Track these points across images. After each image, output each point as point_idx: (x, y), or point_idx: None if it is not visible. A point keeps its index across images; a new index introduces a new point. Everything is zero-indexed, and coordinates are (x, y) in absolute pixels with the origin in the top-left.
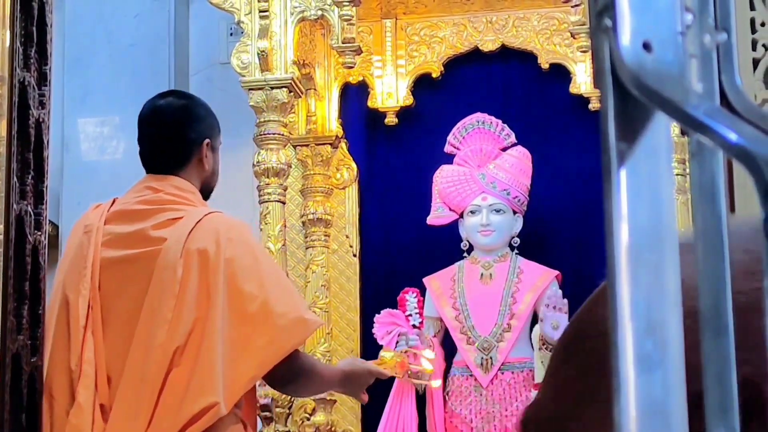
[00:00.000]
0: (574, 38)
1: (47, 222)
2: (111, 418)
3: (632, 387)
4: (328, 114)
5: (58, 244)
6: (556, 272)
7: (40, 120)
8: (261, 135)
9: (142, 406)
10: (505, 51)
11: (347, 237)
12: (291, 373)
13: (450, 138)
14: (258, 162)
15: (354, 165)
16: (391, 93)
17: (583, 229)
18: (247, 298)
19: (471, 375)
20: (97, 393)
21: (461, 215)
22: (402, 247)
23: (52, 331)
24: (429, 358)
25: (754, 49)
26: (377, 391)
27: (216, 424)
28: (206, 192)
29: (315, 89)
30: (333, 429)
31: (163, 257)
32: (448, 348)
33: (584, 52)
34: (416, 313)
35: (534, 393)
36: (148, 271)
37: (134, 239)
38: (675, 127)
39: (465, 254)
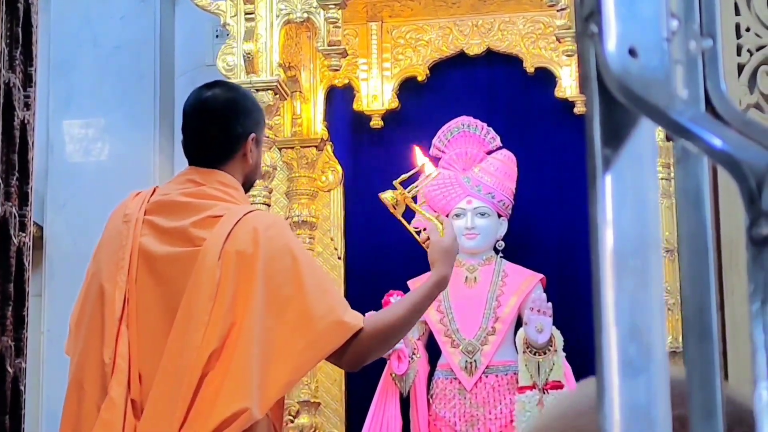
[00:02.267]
0: (560, 42)
1: (32, 223)
2: (144, 418)
3: (616, 392)
4: (313, 116)
5: (42, 245)
6: (541, 276)
7: (25, 121)
8: None
9: (176, 408)
10: (490, 54)
11: (332, 239)
12: (361, 356)
13: (435, 141)
14: None
15: (339, 168)
16: (376, 96)
17: (568, 232)
18: (284, 302)
19: (455, 378)
20: (129, 388)
21: None
22: (387, 250)
23: (86, 322)
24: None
25: (739, 54)
26: (362, 394)
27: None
28: (248, 186)
29: (300, 92)
30: (317, 431)
31: (202, 259)
32: (433, 351)
33: (569, 56)
34: None
35: (518, 396)
36: (186, 271)
37: (175, 236)
38: (660, 132)
39: None
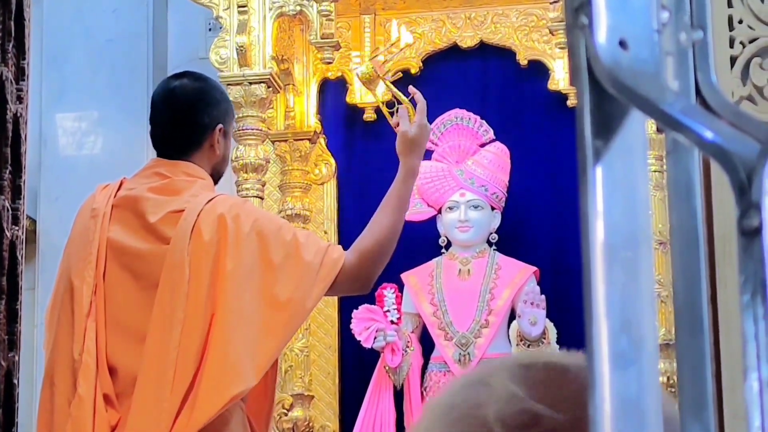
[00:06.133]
0: (553, 35)
1: (25, 217)
2: (131, 416)
3: (607, 384)
4: (306, 109)
5: (35, 239)
6: (534, 268)
7: (18, 115)
8: (239, 130)
9: (162, 410)
10: (483, 47)
11: (326, 233)
12: (359, 282)
13: None
14: (236, 157)
15: (332, 160)
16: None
17: (561, 225)
18: (259, 283)
19: (449, 371)
20: (99, 383)
21: (439, 211)
22: None
23: (57, 317)
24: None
25: (731, 46)
26: (356, 387)
27: (222, 415)
28: (215, 178)
29: (293, 85)
30: (310, 425)
31: (171, 258)
32: (426, 344)
33: (562, 48)
34: (394, 309)
35: None
36: (156, 268)
37: (143, 233)
38: (652, 124)
39: (443, 250)
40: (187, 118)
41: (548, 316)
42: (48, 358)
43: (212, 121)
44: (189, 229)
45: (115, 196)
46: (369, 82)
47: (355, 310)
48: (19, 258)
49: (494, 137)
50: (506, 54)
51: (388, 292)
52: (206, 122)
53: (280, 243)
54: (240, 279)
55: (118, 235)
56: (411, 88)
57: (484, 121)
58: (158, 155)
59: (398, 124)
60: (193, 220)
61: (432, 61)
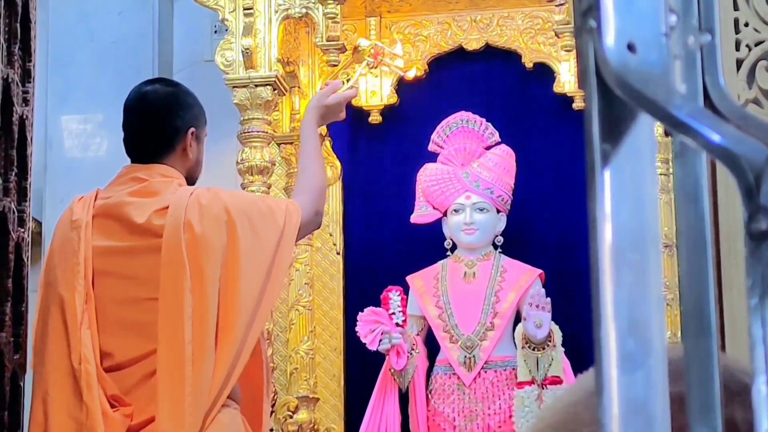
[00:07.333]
0: (559, 37)
1: (30, 219)
2: (158, 419)
3: (615, 386)
4: None
5: (41, 241)
6: (540, 271)
7: (24, 117)
8: (245, 133)
9: (187, 405)
10: (489, 50)
11: (331, 235)
12: (315, 222)
13: (434, 136)
14: (242, 160)
15: (338, 163)
16: (375, 91)
17: (567, 228)
18: (256, 265)
19: (454, 373)
20: (102, 388)
21: (445, 214)
22: (385, 246)
23: (43, 328)
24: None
25: (737, 49)
26: (361, 390)
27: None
28: (189, 182)
29: (299, 87)
30: (316, 427)
31: (166, 254)
32: (432, 346)
33: (568, 51)
34: (399, 312)
35: (516, 391)
36: (147, 265)
37: (128, 235)
38: (659, 127)
39: (448, 253)
40: (159, 121)
41: (553, 318)
42: (39, 373)
43: (184, 124)
44: (180, 225)
45: (93, 206)
46: (360, 54)
47: (360, 313)
48: (25, 260)
49: (500, 140)
50: (512, 57)
51: (394, 295)
52: (178, 125)
53: (261, 217)
54: (242, 263)
55: (103, 243)
56: (356, 86)
57: (489, 124)
58: (132, 161)
59: (324, 87)
60: (181, 216)
61: (437, 63)
